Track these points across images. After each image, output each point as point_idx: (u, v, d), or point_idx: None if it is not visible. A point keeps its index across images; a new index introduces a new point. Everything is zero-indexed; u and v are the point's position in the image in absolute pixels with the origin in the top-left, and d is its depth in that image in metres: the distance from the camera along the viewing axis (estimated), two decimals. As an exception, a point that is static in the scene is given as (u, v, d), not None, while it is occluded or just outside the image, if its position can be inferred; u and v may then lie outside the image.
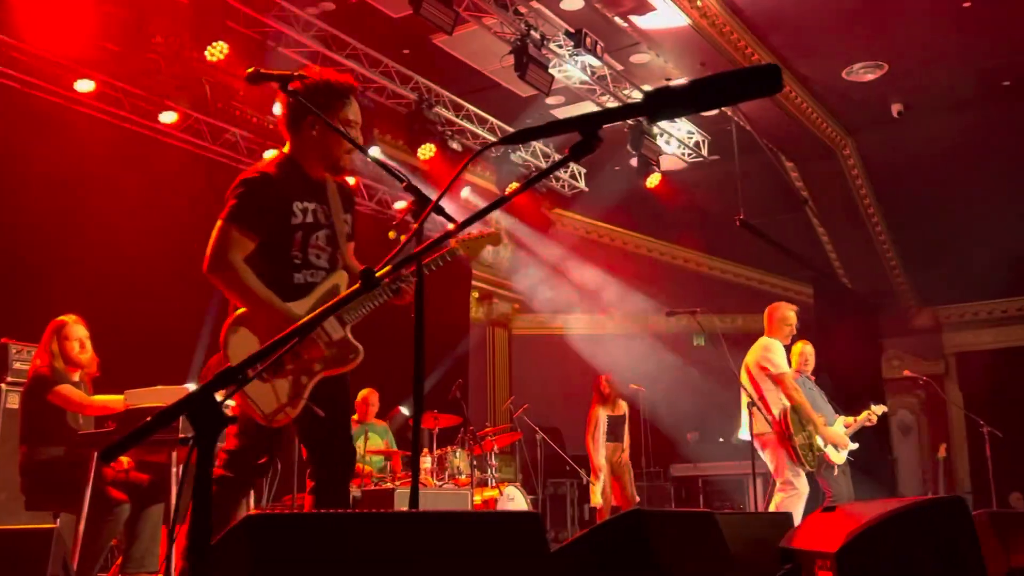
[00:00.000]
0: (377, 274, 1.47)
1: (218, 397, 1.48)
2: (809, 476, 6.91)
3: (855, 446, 7.35)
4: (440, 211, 2.49)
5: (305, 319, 1.59)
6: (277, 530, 1.83)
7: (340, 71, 3.69)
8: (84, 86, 7.91)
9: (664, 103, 1.37)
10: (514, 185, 11.12)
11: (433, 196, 2.54)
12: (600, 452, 9.46)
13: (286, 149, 3.59)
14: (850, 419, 7.41)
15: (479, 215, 1.61)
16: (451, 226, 1.70)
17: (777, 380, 6.82)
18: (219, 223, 3.37)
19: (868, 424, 7.53)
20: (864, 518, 1.92)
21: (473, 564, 1.84)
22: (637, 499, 9.73)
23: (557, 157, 11.63)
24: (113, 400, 5.28)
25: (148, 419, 1.44)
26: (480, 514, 2.15)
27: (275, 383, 3.33)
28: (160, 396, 4.97)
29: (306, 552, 1.82)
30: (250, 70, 3.16)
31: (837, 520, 2.09)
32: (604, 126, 1.45)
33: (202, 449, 1.42)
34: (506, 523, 2.00)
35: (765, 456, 6.84)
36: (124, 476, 5.29)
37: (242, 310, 3.38)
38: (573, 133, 1.43)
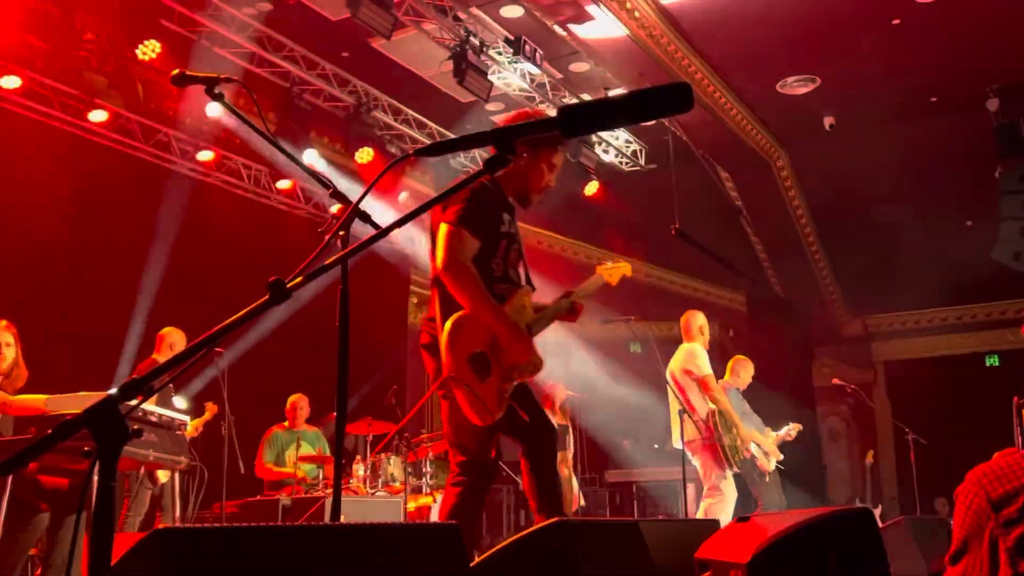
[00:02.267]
0: (288, 285, 1.45)
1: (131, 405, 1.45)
2: (738, 481, 7.02)
3: (781, 456, 7.55)
4: (363, 216, 2.48)
5: (219, 327, 1.56)
6: (188, 545, 1.79)
7: (276, 73, 3.75)
8: (9, 82, 7.71)
9: (578, 119, 1.37)
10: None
11: (366, 205, 2.56)
12: None
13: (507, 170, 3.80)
14: (773, 433, 7.65)
15: (405, 219, 1.61)
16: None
17: (701, 383, 6.94)
18: (448, 226, 3.54)
19: (787, 439, 7.80)
20: (775, 529, 1.96)
21: (387, 578, 1.83)
22: (580, 504, 9.76)
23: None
24: (33, 400, 5.14)
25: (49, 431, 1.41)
26: (398, 526, 2.14)
27: (480, 388, 3.49)
28: (83, 403, 4.85)
29: (218, 567, 1.79)
30: (175, 72, 3.11)
31: (750, 530, 2.12)
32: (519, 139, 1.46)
33: (103, 463, 1.39)
34: (424, 535, 1.98)
35: (695, 462, 6.93)
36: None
37: (460, 312, 3.52)
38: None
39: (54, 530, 5.13)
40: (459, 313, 3.52)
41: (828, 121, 10.36)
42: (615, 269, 4.36)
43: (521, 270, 3.90)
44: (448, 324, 3.50)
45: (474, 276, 3.53)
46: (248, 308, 1.44)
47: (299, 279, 1.48)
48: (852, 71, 9.44)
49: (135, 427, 1.47)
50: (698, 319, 7.27)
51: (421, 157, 1.65)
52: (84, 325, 7.51)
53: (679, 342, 7.39)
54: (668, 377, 7.09)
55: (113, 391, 1.42)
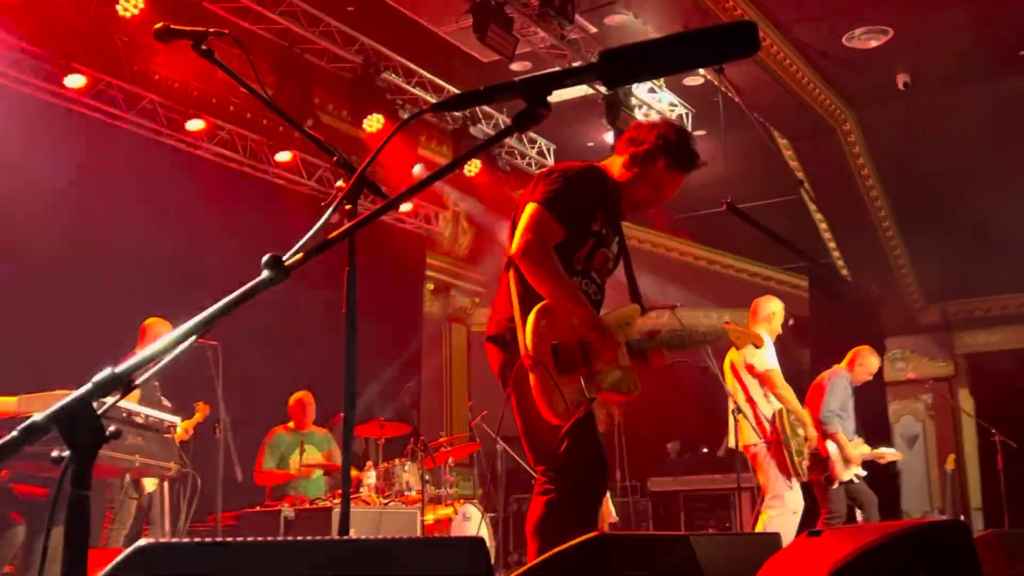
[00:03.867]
0: (287, 263, 1.42)
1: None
2: (806, 492, 6.98)
3: (863, 472, 7.56)
4: (371, 186, 2.46)
5: (208, 313, 1.53)
6: (176, 562, 1.77)
7: (273, 30, 3.75)
8: (-25, 44, 7.74)
9: (622, 64, 1.33)
10: (477, 164, 11.07)
11: (380, 182, 2.55)
12: None
13: (611, 165, 3.90)
14: (866, 449, 7.67)
15: (417, 187, 1.57)
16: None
17: (763, 379, 6.88)
18: (536, 206, 3.59)
19: (876, 459, 7.85)
20: (854, 545, 1.90)
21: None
22: (613, 519, 9.72)
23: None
24: (3, 402, 5.16)
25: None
26: (415, 541, 2.10)
27: (562, 380, 3.48)
28: (58, 402, 4.86)
29: (210, 586, 1.76)
30: (159, 25, 3.10)
31: (822, 547, 2.07)
32: (555, 92, 1.41)
33: (76, 469, 1.36)
34: (445, 551, 1.95)
35: (757, 469, 6.90)
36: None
37: (543, 303, 3.54)
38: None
39: (30, 544, 5.16)
40: (544, 303, 3.55)
41: (902, 79, 10.22)
42: (744, 335, 4.23)
43: (608, 280, 3.94)
44: (536, 308, 3.52)
45: (555, 262, 3.55)
46: (241, 290, 1.40)
47: (299, 256, 1.44)
48: (929, 21, 9.29)
49: (113, 428, 1.44)
50: (769, 305, 7.24)
51: (437, 116, 1.62)
52: (60, 317, 7.55)
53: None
54: (727, 369, 7.05)
55: (87, 387, 1.39)
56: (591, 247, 3.76)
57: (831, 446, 7.43)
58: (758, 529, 6.74)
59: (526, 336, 3.50)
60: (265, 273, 1.40)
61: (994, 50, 9.81)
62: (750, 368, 6.94)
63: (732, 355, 7.10)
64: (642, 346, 3.77)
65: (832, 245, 13.47)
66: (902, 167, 11.77)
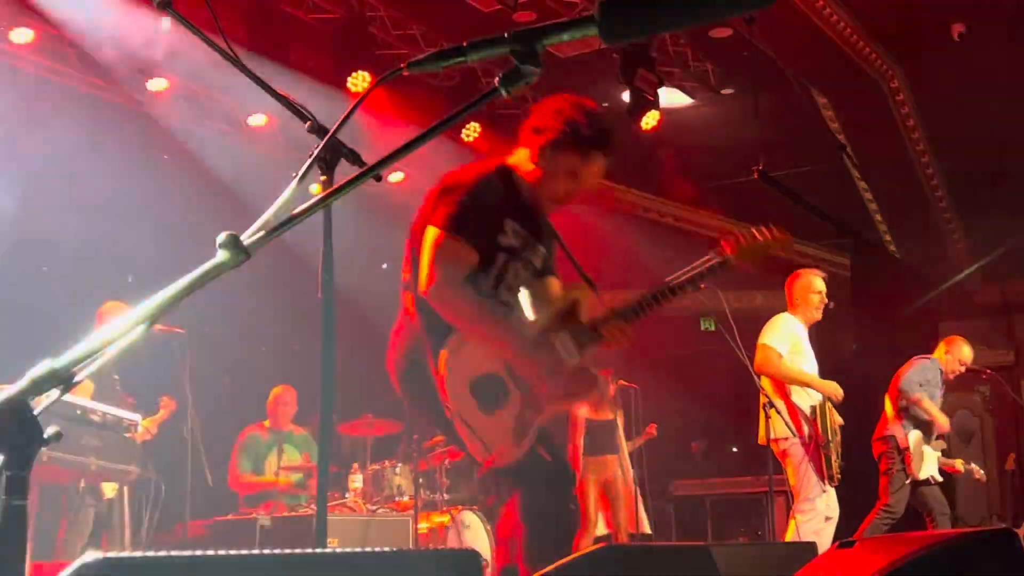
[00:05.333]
0: (246, 242, 1.41)
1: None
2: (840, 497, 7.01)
3: (940, 477, 7.74)
4: (347, 152, 2.46)
5: (151, 304, 1.53)
6: (132, 575, 1.77)
7: None
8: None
9: (623, 16, 1.31)
10: (476, 128, 11.03)
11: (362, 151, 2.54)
12: (581, 461, 9.45)
13: (518, 161, 3.80)
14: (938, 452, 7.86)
15: (400, 151, 1.56)
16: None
17: (758, 349, 6.97)
18: (438, 233, 3.51)
19: (950, 470, 8.06)
20: (888, 558, 1.90)
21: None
22: (644, 530, 9.72)
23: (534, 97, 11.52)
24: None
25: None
26: (403, 554, 2.11)
27: (496, 417, 3.50)
28: None
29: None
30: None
31: (855, 560, 2.06)
32: (548, 47, 1.40)
33: (10, 475, 1.36)
34: (430, 565, 1.95)
35: (787, 468, 6.92)
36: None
37: (452, 339, 3.53)
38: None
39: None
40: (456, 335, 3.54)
41: (957, 29, 10.15)
42: (758, 247, 4.06)
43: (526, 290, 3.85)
44: (444, 349, 3.51)
45: (470, 297, 3.53)
46: (193, 273, 1.40)
47: (260, 234, 1.43)
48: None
49: (53, 429, 1.44)
50: (800, 280, 7.26)
51: (417, 72, 1.61)
52: (5, 301, 7.55)
53: (764, 317, 7.36)
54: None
55: (21, 383, 1.39)
56: (501, 265, 3.70)
57: (912, 436, 7.54)
58: (789, 537, 6.77)
59: (438, 382, 3.50)
60: (221, 254, 1.40)
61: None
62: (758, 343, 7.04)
63: (760, 340, 7.13)
64: (593, 331, 3.74)
65: (878, 218, 13.42)
66: (956, 128, 11.70)
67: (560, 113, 3.67)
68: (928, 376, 7.92)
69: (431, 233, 3.50)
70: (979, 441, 14.47)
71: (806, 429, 6.84)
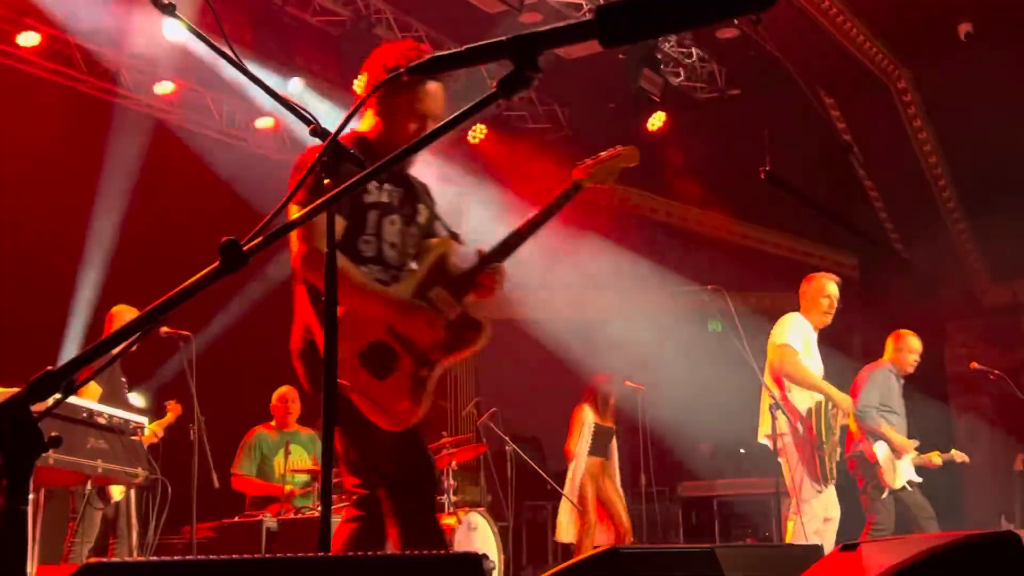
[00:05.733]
0: (245, 248, 1.42)
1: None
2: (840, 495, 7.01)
3: (917, 479, 7.57)
4: (348, 154, 2.48)
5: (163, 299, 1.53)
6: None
7: None
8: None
9: (621, 21, 1.31)
10: (482, 129, 11.06)
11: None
12: (580, 460, 9.46)
13: (365, 125, 3.85)
14: (914, 451, 7.68)
15: (401, 155, 1.57)
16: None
17: (772, 351, 6.95)
18: (296, 209, 3.54)
19: (929, 465, 7.83)
20: (891, 561, 1.89)
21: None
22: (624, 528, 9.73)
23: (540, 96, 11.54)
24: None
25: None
26: (405, 558, 2.11)
27: (391, 381, 3.59)
28: None
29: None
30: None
31: (857, 563, 2.06)
32: (545, 51, 1.40)
33: (11, 480, 1.37)
34: (434, 570, 1.95)
35: (783, 465, 6.93)
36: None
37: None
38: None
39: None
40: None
41: (964, 28, 10.14)
42: (604, 165, 4.13)
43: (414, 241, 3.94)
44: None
45: (340, 264, 3.55)
46: (193, 278, 1.40)
47: (259, 239, 1.44)
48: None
49: (54, 434, 1.45)
50: (812, 283, 7.26)
51: (417, 77, 1.62)
52: (15, 306, 7.58)
53: (771, 318, 7.36)
54: (767, 362, 7.10)
55: (22, 390, 1.40)
56: (375, 223, 3.76)
57: (879, 449, 7.44)
58: (788, 538, 6.79)
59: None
60: (221, 260, 1.41)
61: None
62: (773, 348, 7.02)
63: (771, 334, 7.14)
64: (468, 280, 3.82)
65: (884, 217, 13.39)
66: (963, 128, 11.67)
67: (378, 61, 3.76)
68: (885, 388, 7.74)
69: (292, 210, 3.53)
70: (987, 442, 14.42)
71: (800, 428, 6.83)
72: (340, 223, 3.58)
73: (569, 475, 9.48)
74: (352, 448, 3.70)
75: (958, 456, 8.09)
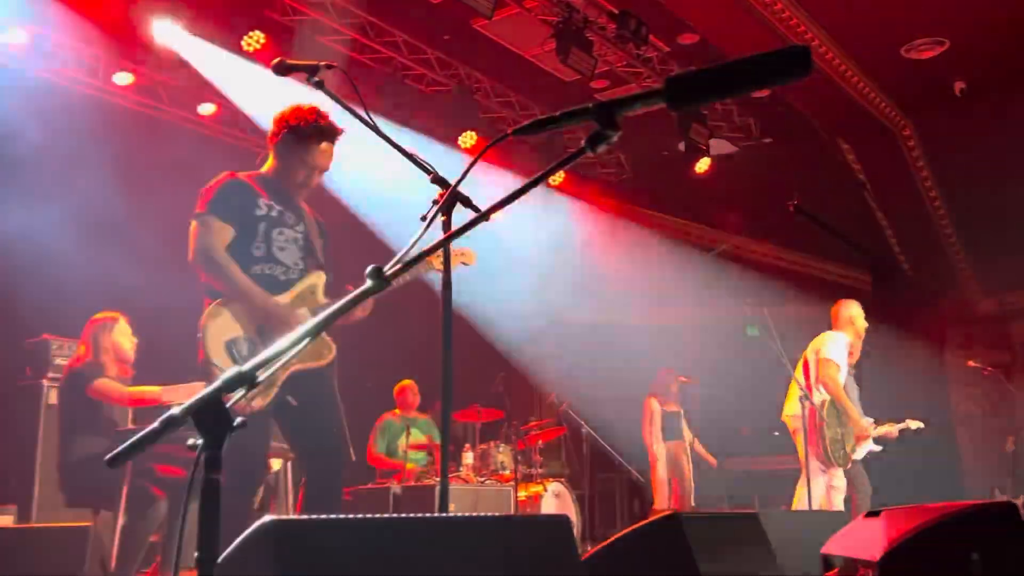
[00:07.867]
0: (388, 273, 1.45)
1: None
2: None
3: (877, 448, 7.08)
4: (463, 199, 2.50)
5: (317, 319, 1.57)
6: (298, 535, 1.82)
7: (376, 59, 4.03)
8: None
9: (686, 89, 1.32)
10: (560, 176, 11.08)
11: (477, 199, 2.62)
12: (659, 446, 9.54)
13: (267, 165, 3.98)
14: (881, 427, 7.11)
15: (507, 201, 1.59)
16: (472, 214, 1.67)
17: (820, 365, 6.76)
18: (193, 220, 3.73)
19: (888, 437, 7.14)
20: (909, 525, 1.86)
21: (494, 572, 1.82)
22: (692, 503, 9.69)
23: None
24: (150, 392, 5.35)
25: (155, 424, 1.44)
26: (503, 519, 2.13)
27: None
28: (196, 392, 5.01)
29: (327, 557, 1.81)
30: (276, 61, 3.18)
31: (881, 526, 2.03)
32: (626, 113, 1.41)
33: (209, 456, 1.41)
34: (532, 527, 1.97)
35: (797, 442, 6.79)
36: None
37: (213, 304, 3.67)
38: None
39: (173, 518, 5.32)
40: (219, 300, 3.66)
41: (959, 86, 9.90)
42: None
43: (302, 254, 3.94)
44: (205, 313, 3.63)
45: (221, 262, 3.64)
46: (346, 298, 1.44)
47: (398, 267, 1.48)
48: (984, 31, 8.97)
49: (240, 420, 1.50)
50: (848, 308, 7.07)
51: (520, 137, 1.66)
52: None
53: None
54: (800, 361, 6.97)
55: (217, 384, 1.45)
56: (264, 232, 3.79)
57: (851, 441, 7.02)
58: (795, 505, 6.66)
59: (203, 340, 3.59)
60: (368, 283, 1.45)
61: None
62: (818, 357, 6.85)
63: (810, 348, 7.00)
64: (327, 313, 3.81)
65: (893, 241, 13.13)
66: (959, 167, 11.39)
67: (282, 119, 3.85)
68: (843, 353, 6.82)
69: (192, 221, 3.71)
70: (981, 427, 14.01)
71: (808, 412, 6.64)
72: (229, 231, 3.69)
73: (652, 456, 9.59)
74: None
75: (912, 424, 7.30)
